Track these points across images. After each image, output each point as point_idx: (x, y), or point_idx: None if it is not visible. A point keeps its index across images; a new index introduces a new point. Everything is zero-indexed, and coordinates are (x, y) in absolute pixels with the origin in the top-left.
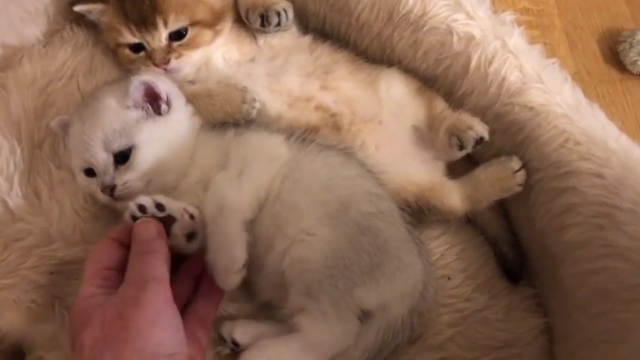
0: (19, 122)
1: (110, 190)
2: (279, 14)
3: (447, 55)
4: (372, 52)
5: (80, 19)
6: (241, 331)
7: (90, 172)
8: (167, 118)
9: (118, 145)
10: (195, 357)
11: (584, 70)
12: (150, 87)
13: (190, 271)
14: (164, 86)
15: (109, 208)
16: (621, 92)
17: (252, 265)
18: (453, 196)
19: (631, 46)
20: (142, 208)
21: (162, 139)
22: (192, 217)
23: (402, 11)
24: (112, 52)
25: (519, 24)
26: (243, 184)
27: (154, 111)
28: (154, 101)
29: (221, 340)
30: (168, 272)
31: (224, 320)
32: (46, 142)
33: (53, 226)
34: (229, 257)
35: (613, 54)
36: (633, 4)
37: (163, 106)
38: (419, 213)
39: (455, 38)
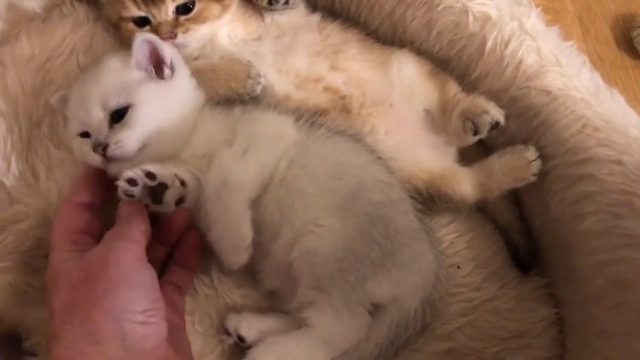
0: (17, 99)
1: (102, 148)
2: None
3: (461, 36)
4: (383, 32)
5: None
6: (247, 326)
7: (85, 135)
8: (169, 83)
9: (116, 102)
10: (173, 320)
11: (596, 56)
12: (154, 47)
13: (163, 241)
14: (169, 51)
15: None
16: (634, 79)
17: (257, 251)
18: (465, 184)
19: None
20: (132, 182)
21: (162, 103)
22: (183, 183)
23: None
24: (114, 27)
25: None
26: (248, 161)
27: (157, 75)
28: (157, 65)
29: (226, 332)
30: (145, 240)
31: (229, 311)
32: (44, 121)
33: (51, 209)
34: (236, 234)
35: (626, 40)
36: None
37: (167, 71)
38: (429, 200)
39: (470, 18)
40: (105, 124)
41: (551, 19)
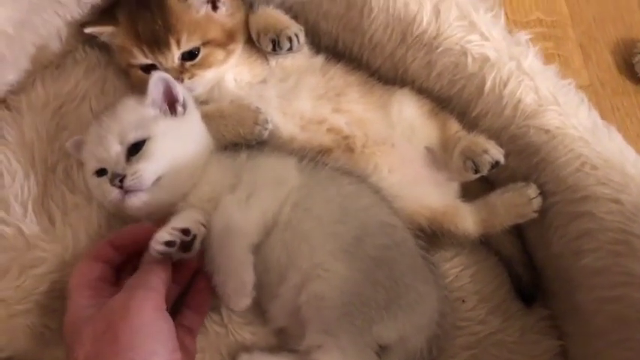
0: (33, 146)
1: (120, 180)
2: (290, 39)
3: (461, 76)
4: (385, 72)
5: (93, 40)
6: None
7: (101, 174)
8: (182, 120)
9: (134, 136)
10: None
11: (598, 82)
12: (168, 85)
13: (177, 280)
14: (182, 90)
15: None
16: (636, 104)
17: (264, 292)
18: (467, 220)
19: None
20: (169, 244)
21: (177, 137)
22: (204, 225)
23: (415, 32)
24: (124, 73)
25: (532, 36)
26: (251, 207)
27: (170, 113)
28: (170, 104)
29: None
30: (165, 289)
31: (239, 348)
32: (59, 166)
33: (68, 252)
34: (238, 280)
35: (628, 65)
36: None
37: (179, 109)
38: (432, 237)
39: (469, 59)
40: (122, 157)
41: (552, 47)
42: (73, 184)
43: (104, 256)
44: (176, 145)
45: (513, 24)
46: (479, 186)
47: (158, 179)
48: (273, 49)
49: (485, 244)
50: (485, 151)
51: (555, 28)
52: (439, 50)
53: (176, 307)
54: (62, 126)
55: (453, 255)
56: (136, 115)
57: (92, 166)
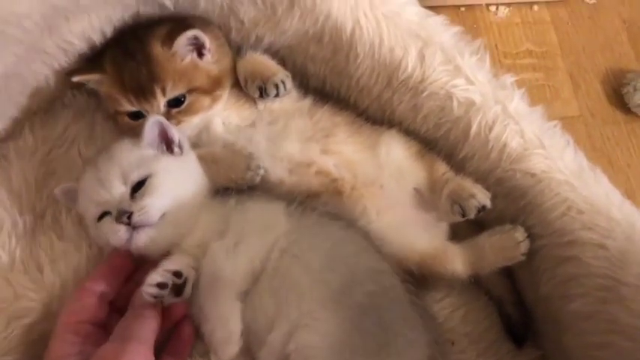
0: (21, 194)
1: (127, 216)
2: (277, 86)
3: (447, 120)
4: (372, 113)
5: (81, 86)
6: None
7: (104, 217)
8: (181, 159)
9: (137, 174)
10: None
11: (588, 112)
12: (163, 128)
13: (163, 326)
14: (176, 132)
15: None
16: (626, 134)
17: (253, 340)
18: (456, 262)
19: (635, 90)
20: (162, 285)
21: (178, 174)
22: (194, 269)
23: (401, 77)
24: (112, 118)
25: (522, 67)
26: (238, 255)
27: (168, 152)
28: (167, 144)
29: None
30: (154, 337)
31: None
32: (47, 212)
33: (54, 302)
34: (226, 330)
35: (617, 95)
36: (637, 45)
37: (176, 149)
38: (421, 278)
39: (455, 103)
40: (127, 196)
41: (543, 77)
42: (62, 230)
43: (101, 287)
44: (178, 182)
45: (503, 56)
46: (467, 226)
47: (163, 215)
48: (260, 95)
49: (475, 283)
50: (472, 196)
51: (545, 59)
52: (425, 94)
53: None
54: (50, 171)
55: (443, 296)
56: (134, 155)
57: (93, 212)
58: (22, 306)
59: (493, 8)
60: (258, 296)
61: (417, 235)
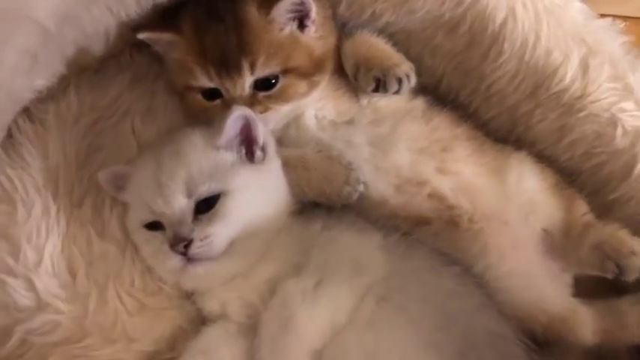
0: (58, 171)
1: (185, 245)
2: (400, 80)
3: (603, 150)
4: (497, 125)
5: (144, 46)
6: None
7: (153, 227)
8: (262, 169)
9: (207, 189)
10: None
11: None
12: (248, 124)
13: None
14: (263, 130)
15: (162, 296)
16: None
17: None
18: (586, 328)
19: None
20: None
21: (256, 192)
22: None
23: (554, 88)
24: (178, 95)
25: None
26: (318, 301)
27: (247, 157)
28: (247, 145)
29: None
30: None
31: None
32: (87, 200)
33: (88, 317)
34: None
35: None
36: None
37: (258, 153)
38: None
39: (619, 131)
40: (189, 215)
41: None
42: (103, 226)
43: None
44: (255, 202)
45: None
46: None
47: (229, 244)
48: (376, 89)
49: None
50: (634, 253)
51: None
52: (581, 114)
53: None
54: (95, 146)
55: None
56: (208, 159)
57: (143, 216)
58: (45, 319)
59: None
60: (339, 353)
61: (546, 289)
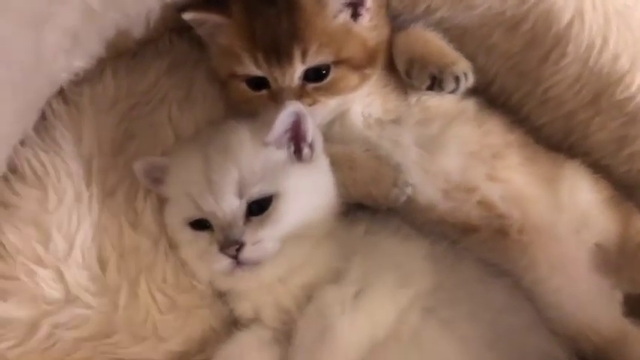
0: (91, 158)
1: (236, 248)
2: (457, 79)
3: None
4: (550, 131)
5: (184, 30)
6: None
7: (199, 225)
8: (311, 167)
9: (260, 190)
10: None
11: None
12: (298, 121)
13: None
14: (312, 127)
15: (194, 294)
16: None
17: None
18: (638, 351)
19: None
20: None
21: (307, 191)
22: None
23: (618, 96)
24: (221, 81)
25: None
26: (359, 312)
27: (295, 154)
28: (296, 142)
29: None
30: None
31: None
32: (120, 189)
33: (118, 312)
34: None
35: None
36: None
37: (306, 150)
38: None
39: None
40: (241, 216)
41: None
42: (136, 217)
43: None
44: (306, 204)
45: None
46: None
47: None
48: (431, 87)
49: None
50: None
51: None
52: None
53: None
54: (131, 133)
55: None
56: (258, 157)
57: (188, 213)
58: (74, 312)
59: None
60: None
61: (595, 307)
